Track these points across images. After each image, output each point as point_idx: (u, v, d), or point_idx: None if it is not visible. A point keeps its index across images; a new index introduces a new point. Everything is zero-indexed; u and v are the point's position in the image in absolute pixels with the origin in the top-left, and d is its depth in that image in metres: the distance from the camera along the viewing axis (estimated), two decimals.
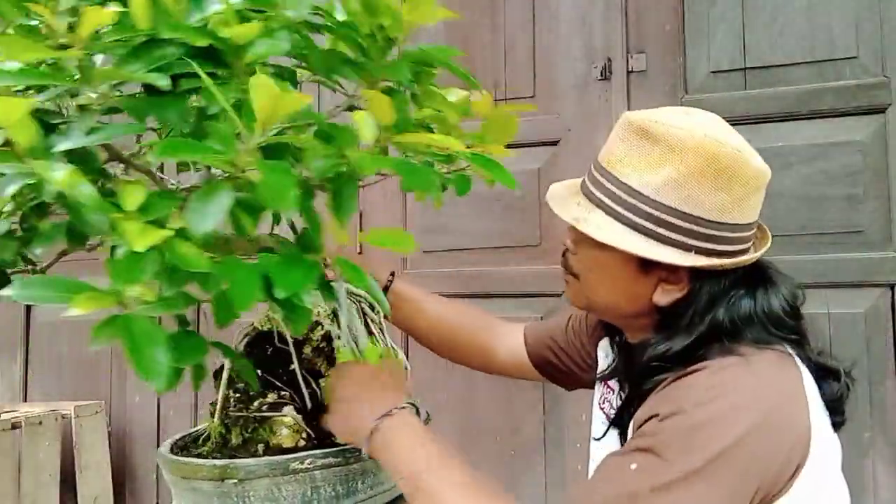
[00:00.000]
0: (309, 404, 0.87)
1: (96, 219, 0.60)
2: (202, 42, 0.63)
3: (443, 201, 0.85)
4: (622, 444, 0.88)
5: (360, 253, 2.19)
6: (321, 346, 0.92)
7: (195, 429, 0.96)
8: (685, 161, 0.82)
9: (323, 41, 0.83)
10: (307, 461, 0.79)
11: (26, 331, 2.63)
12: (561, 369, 1.17)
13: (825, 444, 0.84)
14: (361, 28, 0.77)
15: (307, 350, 0.91)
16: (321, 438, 0.85)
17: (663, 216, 0.83)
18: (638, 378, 0.86)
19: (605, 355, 1.06)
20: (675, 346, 0.84)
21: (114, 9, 0.60)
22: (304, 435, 0.85)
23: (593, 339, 1.12)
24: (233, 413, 0.88)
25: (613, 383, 1.02)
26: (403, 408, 0.85)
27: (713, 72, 1.97)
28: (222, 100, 0.58)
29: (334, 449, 0.81)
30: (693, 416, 0.76)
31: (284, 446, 0.84)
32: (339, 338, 0.93)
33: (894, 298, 1.80)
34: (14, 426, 2.09)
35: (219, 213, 0.59)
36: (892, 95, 1.81)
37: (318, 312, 0.94)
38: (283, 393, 0.87)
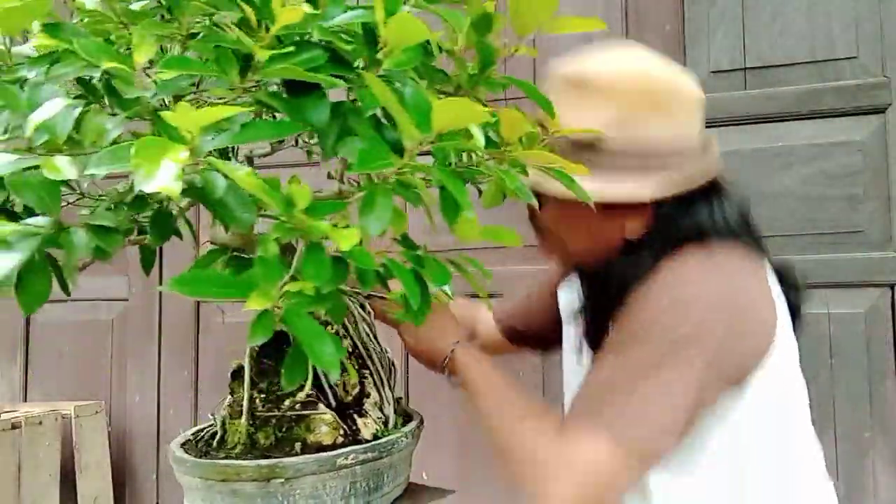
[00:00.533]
0: (333, 402, 0.87)
1: (245, 216, 0.61)
2: (345, 46, 0.64)
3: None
4: None
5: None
6: None
7: (196, 429, 0.95)
8: (622, 101, 0.85)
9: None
10: (351, 456, 0.80)
11: (26, 331, 2.62)
12: (530, 335, 1.29)
13: (788, 339, 0.89)
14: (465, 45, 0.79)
15: None
16: (353, 435, 0.86)
17: (615, 158, 0.85)
18: (613, 296, 0.90)
19: (568, 297, 1.13)
20: (646, 263, 0.88)
21: (305, 7, 0.60)
22: (341, 431, 0.85)
23: (554, 296, 1.20)
24: (261, 413, 0.87)
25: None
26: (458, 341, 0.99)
27: (713, 72, 1.97)
28: (398, 109, 0.59)
29: (371, 444, 0.83)
30: (660, 305, 0.82)
31: (324, 443, 0.84)
32: (344, 337, 0.93)
33: (894, 298, 1.80)
34: (14, 426, 2.09)
35: (387, 216, 0.61)
36: (892, 95, 1.82)
37: (324, 312, 0.94)
38: (309, 391, 0.87)
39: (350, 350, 0.93)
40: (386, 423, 0.89)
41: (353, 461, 0.80)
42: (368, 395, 0.90)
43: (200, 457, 0.85)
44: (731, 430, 0.87)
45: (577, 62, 0.89)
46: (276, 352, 0.92)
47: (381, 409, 0.90)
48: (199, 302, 2.38)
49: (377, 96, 0.59)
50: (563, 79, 0.89)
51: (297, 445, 0.84)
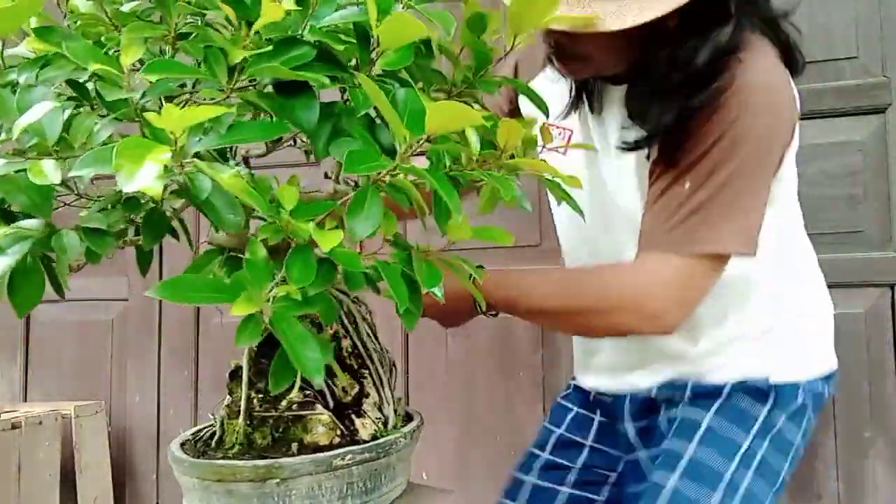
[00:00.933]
0: (331, 402, 0.87)
1: (231, 218, 0.62)
2: (340, 45, 0.64)
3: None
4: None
5: (360, 253, 2.19)
6: (331, 345, 0.93)
7: (195, 429, 0.95)
8: None
9: None
10: (347, 457, 0.80)
11: (26, 331, 2.63)
12: None
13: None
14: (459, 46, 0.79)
15: None
16: (351, 435, 0.86)
17: None
18: (667, 94, 0.93)
19: (553, 89, 1.12)
20: (701, 56, 0.91)
21: (288, 4, 0.60)
22: (338, 432, 0.85)
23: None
24: (258, 413, 0.87)
25: (570, 123, 1.13)
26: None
27: None
28: (390, 110, 0.59)
29: (368, 444, 0.83)
30: (737, 117, 0.90)
31: (321, 444, 0.84)
32: (344, 337, 0.94)
33: (894, 298, 1.80)
34: (14, 426, 2.09)
35: (376, 218, 0.61)
36: (892, 95, 1.81)
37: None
38: (307, 392, 0.87)
39: (350, 350, 0.93)
40: (385, 424, 0.89)
41: (350, 462, 0.80)
42: (368, 396, 0.90)
43: (198, 457, 0.85)
44: (778, 212, 1.04)
45: None
46: (273, 352, 0.92)
47: (380, 410, 0.90)
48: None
49: (369, 96, 0.59)
50: None
51: (294, 446, 0.84)
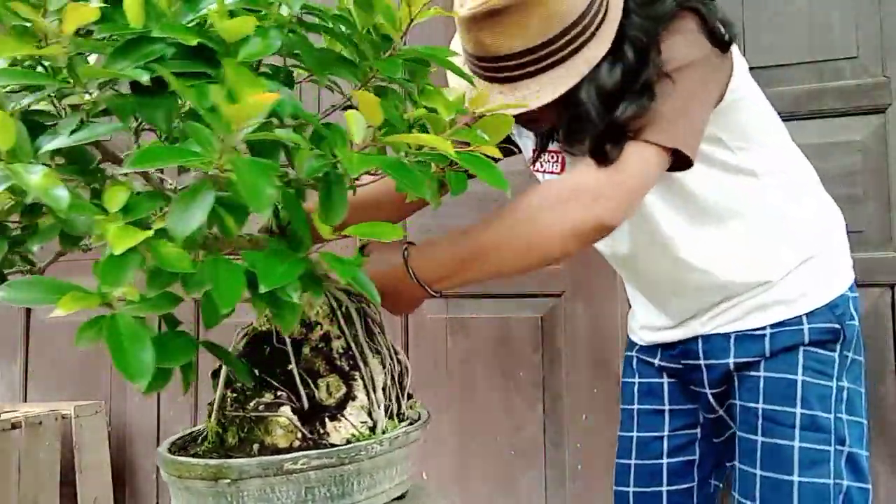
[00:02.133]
0: (306, 405, 0.87)
1: (80, 220, 0.61)
2: (191, 40, 0.63)
3: (441, 202, 0.85)
4: None
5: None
6: (320, 346, 0.92)
7: (195, 428, 0.96)
8: (533, 7, 0.92)
9: (321, 41, 0.83)
10: (301, 461, 0.79)
11: (26, 331, 2.63)
12: None
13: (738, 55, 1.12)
14: (357, 25, 0.78)
15: (306, 350, 0.91)
16: (317, 439, 0.85)
17: (566, 39, 0.95)
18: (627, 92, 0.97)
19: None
20: (614, 78, 0.97)
21: (97, 5, 0.60)
22: (298, 435, 0.85)
23: None
24: (230, 413, 0.88)
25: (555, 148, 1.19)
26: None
27: None
28: (193, 99, 0.58)
29: (329, 449, 0.81)
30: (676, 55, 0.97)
31: (279, 446, 0.84)
32: (338, 338, 0.93)
33: (894, 298, 1.80)
34: (14, 426, 2.09)
35: (200, 214, 0.59)
36: (892, 95, 1.81)
37: (318, 312, 0.94)
38: (279, 393, 0.87)
39: (341, 351, 0.92)
40: (373, 428, 0.88)
41: (305, 466, 0.79)
42: (355, 399, 0.89)
43: (174, 454, 0.86)
44: (753, 110, 1.15)
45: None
46: (258, 351, 0.92)
47: (369, 414, 0.89)
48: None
49: (181, 93, 0.59)
50: (483, 14, 0.93)
51: (256, 447, 0.84)
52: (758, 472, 1.15)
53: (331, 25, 0.78)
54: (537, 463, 2.07)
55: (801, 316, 1.16)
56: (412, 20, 0.79)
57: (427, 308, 2.18)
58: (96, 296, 0.58)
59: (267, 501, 0.78)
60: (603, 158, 0.94)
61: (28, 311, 2.63)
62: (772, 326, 1.18)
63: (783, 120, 1.86)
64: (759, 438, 1.15)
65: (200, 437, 0.92)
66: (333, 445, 0.83)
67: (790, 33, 1.91)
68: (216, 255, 0.65)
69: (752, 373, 1.18)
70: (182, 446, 0.91)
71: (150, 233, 0.59)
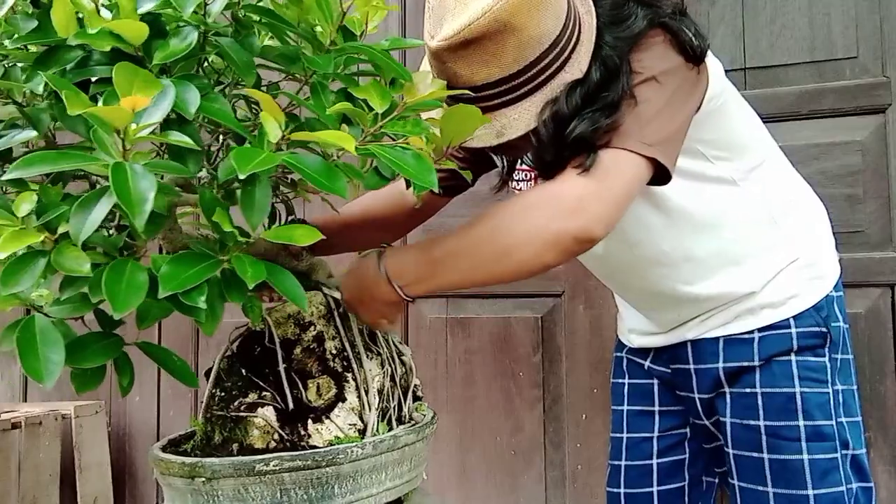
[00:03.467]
0: (291, 405, 0.86)
1: None
2: (105, 45, 0.64)
3: (354, 195, 0.85)
4: None
5: (360, 253, 2.19)
6: (312, 346, 0.92)
7: (194, 428, 0.96)
8: (507, 35, 0.90)
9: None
10: (273, 463, 0.78)
11: None
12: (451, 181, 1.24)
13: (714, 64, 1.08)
14: (289, 21, 0.77)
15: (297, 350, 0.91)
16: (296, 440, 0.84)
17: (542, 65, 0.93)
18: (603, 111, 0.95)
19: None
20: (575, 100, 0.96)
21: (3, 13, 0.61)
22: (275, 436, 0.84)
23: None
24: (216, 412, 0.88)
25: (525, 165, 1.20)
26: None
27: None
28: (80, 104, 0.58)
29: (303, 452, 0.81)
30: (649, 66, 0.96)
31: (256, 447, 0.84)
32: (333, 338, 0.93)
33: (894, 298, 1.80)
34: (14, 426, 2.09)
35: (98, 217, 0.59)
36: (892, 95, 1.81)
37: (312, 312, 0.94)
38: (264, 393, 0.87)
39: (335, 352, 0.92)
40: (363, 431, 0.87)
41: (277, 468, 0.78)
42: (345, 401, 0.88)
43: (166, 451, 0.87)
44: (734, 118, 1.14)
45: (453, 25, 0.90)
46: (251, 350, 0.92)
47: (360, 416, 0.88)
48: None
49: (66, 99, 0.59)
50: (455, 45, 0.90)
51: (235, 447, 0.85)
52: (770, 489, 1.14)
53: (266, 21, 0.78)
54: (537, 463, 2.07)
55: (788, 319, 1.16)
56: (344, 13, 0.79)
57: (427, 308, 2.18)
58: (11, 298, 0.59)
59: (242, 501, 0.79)
60: (579, 166, 0.92)
61: (28, 311, 2.63)
62: (759, 330, 1.17)
63: (783, 120, 1.88)
64: (766, 456, 1.14)
65: (193, 436, 0.93)
66: (314, 447, 0.83)
67: (790, 33, 1.90)
68: (126, 259, 0.65)
69: (748, 389, 1.17)
70: (176, 444, 0.92)
71: (40, 237, 0.60)
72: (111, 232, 0.74)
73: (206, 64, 0.82)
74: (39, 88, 0.63)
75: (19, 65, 0.69)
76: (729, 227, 1.15)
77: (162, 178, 0.68)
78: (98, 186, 0.63)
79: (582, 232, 0.88)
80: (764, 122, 1.29)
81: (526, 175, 1.20)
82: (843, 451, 1.14)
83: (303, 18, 0.79)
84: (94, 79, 0.66)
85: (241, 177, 0.63)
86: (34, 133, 0.66)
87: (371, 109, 0.78)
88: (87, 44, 0.64)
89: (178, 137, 0.63)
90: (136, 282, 0.63)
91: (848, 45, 1.85)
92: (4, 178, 0.58)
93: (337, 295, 0.96)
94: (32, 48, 0.67)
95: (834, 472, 1.12)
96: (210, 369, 0.92)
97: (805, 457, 1.11)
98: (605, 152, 0.92)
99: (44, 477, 2.15)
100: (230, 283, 0.72)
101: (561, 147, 0.94)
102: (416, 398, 1.01)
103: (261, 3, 0.78)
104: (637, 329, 1.32)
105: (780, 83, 1.90)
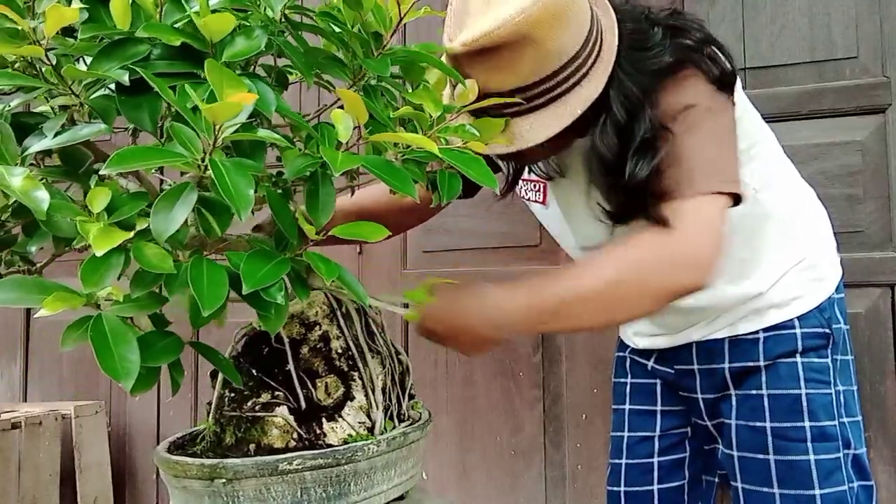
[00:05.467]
0: (303, 405, 0.87)
1: (66, 222, 0.61)
2: (175, 40, 0.63)
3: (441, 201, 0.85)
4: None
5: (360, 253, 2.20)
6: (318, 346, 0.92)
7: (195, 428, 0.96)
8: (526, 46, 0.90)
9: (318, 42, 0.83)
10: (296, 462, 0.78)
11: (26, 331, 2.62)
12: None
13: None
14: (345, 23, 0.78)
15: (304, 350, 0.91)
16: (313, 439, 0.85)
17: (559, 78, 0.93)
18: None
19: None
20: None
21: (77, 6, 0.61)
22: (294, 435, 0.84)
23: None
24: (227, 412, 0.88)
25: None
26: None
27: None
28: (173, 99, 0.58)
29: (325, 450, 0.81)
30: (682, 102, 0.98)
31: (275, 447, 0.84)
32: (337, 338, 0.93)
33: (894, 298, 1.80)
34: (14, 426, 2.09)
35: (181, 214, 0.59)
36: (892, 95, 1.81)
37: (317, 312, 0.94)
38: (276, 393, 0.87)
39: (341, 351, 0.92)
40: (372, 429, 0.88)
41: (300, 467, 0.79)
42: (353, 399, 0.89)
43: (173, 453, 0.86)
44: (750, 124, 1.13)
45: (474, 30, 0.90)
46: (258, 350, 0.92)
47: (368, 414, 0.89)
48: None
49: (162, 92, 0.59)
50: (475, 50, 0.90)
51: (252, 447, 0.84)
52: (776, 490, 1.14)
53: (319, 24, 0.78)
54: (537, 463, 2.07)
55: (793, 319, 1.17)
56: (401, 18, 0.79)
57: None
58: (81, 296, 0.58)
59: (262, 501, 0.78)
60: (663, 222, 0.94)
61: (28, 311, 2.62)
62: (764, 330, 1.18)
63: (783, 120, 1.88)
64: (772, 457, 1.14)
65: (199, 437, 0.92)
66: (330, 446, 0.83)
67: (790, 33, 1.91)
68: (200, 256, 0.65)
69: (754, 391, 1.17)
70: (181, 446, 0.91)
71: (131, 234, 0.59)
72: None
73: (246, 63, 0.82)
74: (125, 78, 0.62)
75: (73, 57, 0.68)
76: (743, 231, 1.14)
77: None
78: (174, 184, 0.63)
79: (696, 285, 0.94)
80: (764, 122, 1.29)
81: (535, 186, 1.21)
82: (846, 451, 1.15)
83: (358, 21, 0.78)
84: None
85: (336, 175, 0.64)
86: (103, 126, 0.65)
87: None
88: (153, 38, 0.64)
89: (267, 134, 0.64)
90: (219, 278, 0.63)
91: (848, 45, 1.86)
92: (102, 171, 0.58)
93: (340, 294, 0.96)
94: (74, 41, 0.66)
95: (837, 471, 1.13)
96: (215, 370, 0.92)
97: (811, 457, 1.12)
98: (694, 200, 0.95)
99: (44, 477, 2.15)
100: (295, 280, 0.72)
101: (622, 193, 0.98)
102: (410, 396, 1.01)
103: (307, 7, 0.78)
104: (641, 332, 1.31)
105: (780, 83, 1.90)
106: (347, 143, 0.70)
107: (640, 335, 1.32)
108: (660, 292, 0.94)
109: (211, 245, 0.74)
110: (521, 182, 1.23)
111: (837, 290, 1.22)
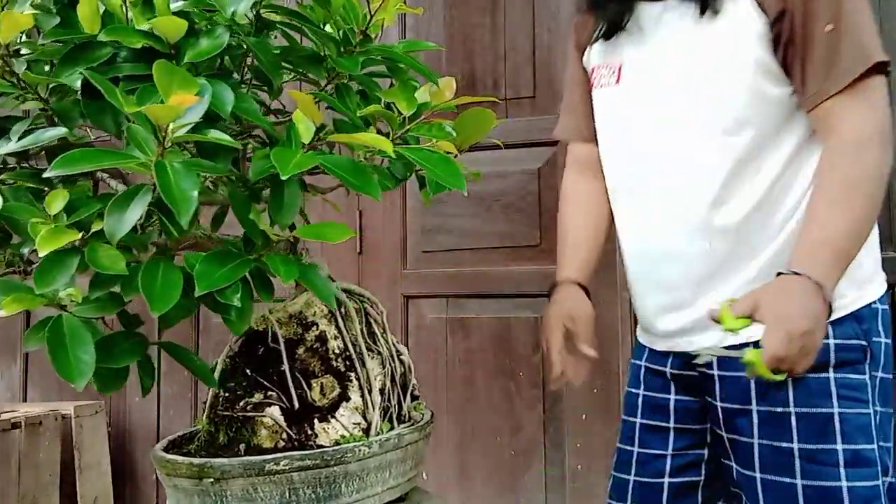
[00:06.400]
0: (297, 405, 0.86)
1: (25, 224, 0.62)
2: (136, 42, 0.64)
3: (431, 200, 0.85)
4: None
5: (360, 253, 2.20)
6: (315, 346, 0.92)
7: (194, 428, 0.96)
8: None
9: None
10: (283, 462, 0.78)
11: (26, 331, 2.62)
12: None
13: None
14: (317, 22, 0.77)
15: (301, 350, 0.91)
16: (303, 440, 0.85)
17: None
18: None
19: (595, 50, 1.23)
20: None
21: (30, 12, 0.61)
22: (283, 436, 0.84)
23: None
24: (221, 412, 0.88)
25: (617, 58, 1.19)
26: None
27: None
28: (119, 102, 0.58)
29: (312, 451, 0.81)
30: None
31: (264, 447, 0.84)
32: (335, 338, 0.93)
33: (894, 298, 1.80)
34: (14, 426, 2.09)
35: (134, 216, 0.59)
36: (892, 95, 1.81)
37: (315, 312, 0.94)
38: (270, 393, 0.87)
39: (338, 352, 0.92)
40: (367, 430, 0.87)
41: (287, 467, 0.78)
42: (349, 400, 0.88)
43: (168, 452, 0.87)
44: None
45: None
46: (254, 350, 0.92)
47: (364, 415, 0.89)
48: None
49: (109, 95, 0.60)
50: None
51: (242, 447, 0.85)
52: None
53: (289, 22, 0.78)
54: (537, 463, 2.07)
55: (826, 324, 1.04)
56: (372, 16, 0.78)
57: (427, 308, 2.18)
58: (40, 297, 0.58)
59: (250, 501, 0.78)
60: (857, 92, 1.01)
61: (28, 311, 2.63)
62: None
63: None
64: (799, 482, 1.04)
65: (196, 437, 0.92)
66: (321, 447, 0.83)
67: None
68: (160, 258, 0.65)
69: (779, 409, 1.06)
70: (178, 444, 0.92)
71: (78, 235, 0.59)
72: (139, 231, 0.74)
73: (221, 63, 0.82)
74: (77, 84, 0.62)
75: (41, 61, 0.69)
76: (797, 198, 1.09)
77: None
78: (130, 186, 0.63)
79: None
80: None
81: (610, 69, 1.19)
82: (884, 479, 1.04)
83: (329, 20, 0.78)
84: (120, 76, 0.66)
85: (283, 177, 0.63)
86: (64, 130, 0.65)
87: (399, 113, 0.78)
88: (117, 41, 0.64)
89: (216, 135, 0.63)
90: (172, 280, 0.63)
91: None
92: (47, 174, 0.58)
93: (339, 294, 0.96)
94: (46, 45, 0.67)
95: (876, 501, 1.02)
96: (211, 369, 0.92)
97: (843, 484, 1.02)
98: (870, 79, 1.01)
99: (44, 477, 2.15)
100: (259, 282, 0.72)
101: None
102: (413, 397, 1.01)
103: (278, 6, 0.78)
104: (661, 304, 1.18)
105: None
106: (307, 143, 0.70)
107: (660, 313, 1.19)
108: (885, 169, 1.01)
109: (174, 246, 0.74)
110: (596, 71, 1.22)
111: (881, 300, 1.11)
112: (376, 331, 0.98)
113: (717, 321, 0.98)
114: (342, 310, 0.96)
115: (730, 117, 1.06)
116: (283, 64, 0.82)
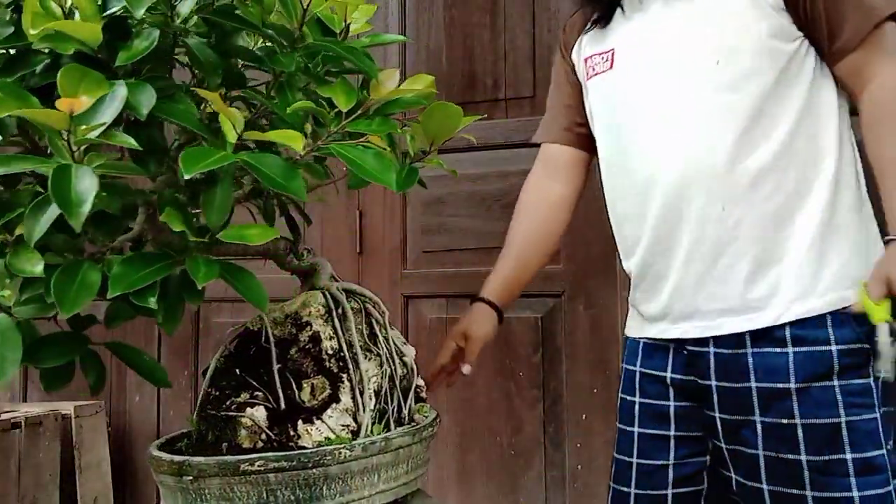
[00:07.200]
0: (283, 405, 0.86)
1: None
2: (68, 49, 0.64)
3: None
4: None
5: (360, 253, 2.20)
6: (308, 346, 0.91)
7: (192, 427, 0.96)
8: None
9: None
10: (258, 463, 0.78)
11: None
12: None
13: None
14: (252, 20, 0.78)
15: (293, 351, 0.91)
16: (284, 441, 0.84)
17: None
18: None
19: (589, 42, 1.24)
20: None
21: None
22: (262, 437, 0.84)
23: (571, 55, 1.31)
24: (209, 412, 0.89)
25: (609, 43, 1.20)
26: None
27: None
28: (9, 106, 0.59)
29: (289, 453, 0.80)
30: None
31: (244, 447, 0.84)
32: (330, 338, 0.93)
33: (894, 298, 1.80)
34: (14, 426, 2.09)
35: (48, 220, 0.60)
36: None
37: (310, 312, 0.93)
38: (256, 393, 0.87)
39: (331, 352, 0.91)
40: (357, 432, 0.87)
41: (262, 468, 0.78)
42: (338, 401, 0.88)
43: (162, 449, 0.88)
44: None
45: None
46: (248, 351, 0.92)
47: (354, 417, 0.88)
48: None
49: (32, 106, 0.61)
50: None
51: (225, 446, 0.85)
52: None
53: (223, 23, 0.78)
54: (537, 463, 2.07)
55: (826, 326, 1.04)
56: (306, 10, 0.78)
57: (427, 308, 2.18)
58: None
59: (228, 500, 0.79)
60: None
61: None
62: (792, 334, 1.05)
63: None
64: (809, 493, 1.02)
65: (189, 435, 0.93)
66: (302, 448, 0.82)
67: None
68: (82, 260, 0.66)
69: (784, 420, 1.04)
70: (172, 442, 0.92)
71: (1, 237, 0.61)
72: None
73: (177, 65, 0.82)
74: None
75: None
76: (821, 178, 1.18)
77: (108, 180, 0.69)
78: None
79: None
80: None
81: (603, 56, 1.20)
82: (894, 481, 1.02)
83: (265, 17, 0.78)
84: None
85: (186, 177, 0.63)
86: None
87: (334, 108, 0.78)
88: (53, 48, 0.65)
89: (122, 138, 0.63)
90: (88, 283, 0.64)
91: None
92: None
93: (337, 294, 0.96)
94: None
95: None
96: (207, 368, 0.93)
97: (855, 494, 1.00)
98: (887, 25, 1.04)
99: (44, 477, 2.15)
100: (185, 284, 0.72)
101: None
102: (418, 399, 1.00)
103: (223, 4, 0.78)
104: (666, 287, 1.14)
105: None
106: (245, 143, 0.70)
107: (664, 294, 1.15)
108: None
109: (99, 248, 0.74)
110: (589, 61, 1.23)
111: None
112: (377, 331, 0.97)
113: (864, 315, 0.99)
114: (339, 310, 0.95)
115: (731, 72, 1.06)
116: (234, 62, 0.82)
